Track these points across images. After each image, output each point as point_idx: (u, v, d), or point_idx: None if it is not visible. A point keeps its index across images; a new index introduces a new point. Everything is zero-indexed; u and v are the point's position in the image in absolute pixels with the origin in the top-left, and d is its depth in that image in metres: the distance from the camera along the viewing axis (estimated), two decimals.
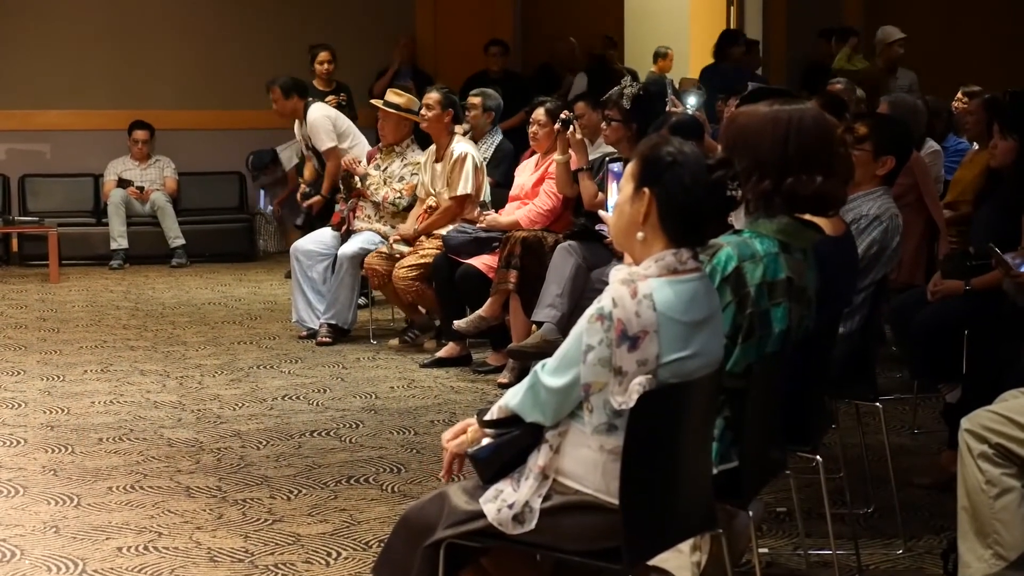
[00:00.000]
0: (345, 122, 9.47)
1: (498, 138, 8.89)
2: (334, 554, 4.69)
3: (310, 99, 9.50)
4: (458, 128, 8.45)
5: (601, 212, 4.16)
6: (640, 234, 3.23)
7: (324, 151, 9.31)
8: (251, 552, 4.70)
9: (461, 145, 8.09)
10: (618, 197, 3.32)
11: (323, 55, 11.09)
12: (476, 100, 8.74)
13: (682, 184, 3.19)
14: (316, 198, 9.39)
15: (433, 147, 8.25)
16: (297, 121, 9.51)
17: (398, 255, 8.02)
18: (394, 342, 8.41)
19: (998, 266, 5.55)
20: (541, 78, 12.89)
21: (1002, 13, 13.93)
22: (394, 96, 8.50)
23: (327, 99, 10.69)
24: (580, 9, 13.86)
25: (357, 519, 5.06)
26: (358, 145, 9.34)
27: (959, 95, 8.51)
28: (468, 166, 7.98)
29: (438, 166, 8.14)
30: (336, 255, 8.41)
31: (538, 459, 3.24)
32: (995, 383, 5.32)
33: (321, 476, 5.61)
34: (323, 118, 9.36)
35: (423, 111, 8.18)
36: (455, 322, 7.51)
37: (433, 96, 8.16)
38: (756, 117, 3.77)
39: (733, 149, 3.69)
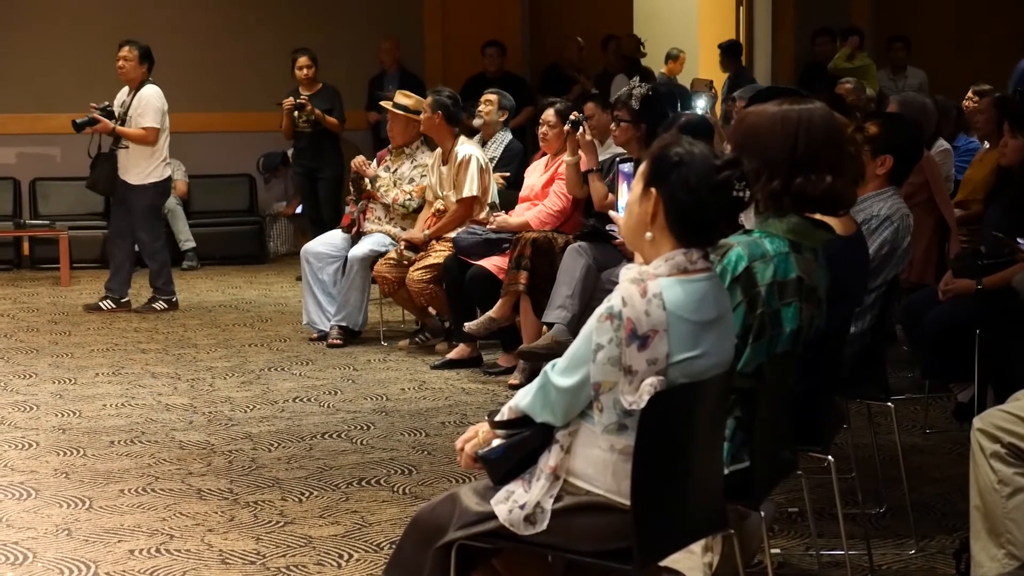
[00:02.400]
0: (167, 121, 9.54)
1: (507, 138, 8.90)
2: (346, 556, 4.69)
3: (152, 78, 9.53)
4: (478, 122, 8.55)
5: (612, 213, 4.15)
6: (648, 234, 3.23)
7: (146, 127, 9.37)
8: (263, 554, 4.71)
9: (465, 147, 8.09)
10: (629, 197, 3.32)
11: (301, 60, 11.07)
12: (492, 97, 8.81)
13: (687, 184, 3.18)
14: (104, 122, 9.39)
15: (439, 150, 8.26)
16: (128, 88, 9.53)
17: (406, 261, 8.03)
18: (404, 343, 8.42)
19: (1010, 252, 5.56)
20: (549, 79, 12.90)
21: (1011, 11, 13.91)
22: (402, 98, 8.51)
23: (284, 101, 10.81)
24: (588, 10, 13.86)
25: (368, 521, 5.06)
26: (164, 143, 9.48)
27: (969, 94, 8.50)
28: (473, 168, 7.99)
29: (444, 169, 8.15)
30: (346, 257, 8.42)
31: (549, 459, 3.24)
32: (1006, 382, 5.33)
33: (332, 478, 5.62)
34: (160, 99, 9.45)
35: (421, 114, 8.22)
36: (465, 324, 7.51)
37: (424, 101, 8.20)
38: (765, 117, 3.76)
39: (742, 149, 3.69)
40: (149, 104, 9.40)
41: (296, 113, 10.95)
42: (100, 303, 9.70)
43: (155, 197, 9.60)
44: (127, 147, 9.41)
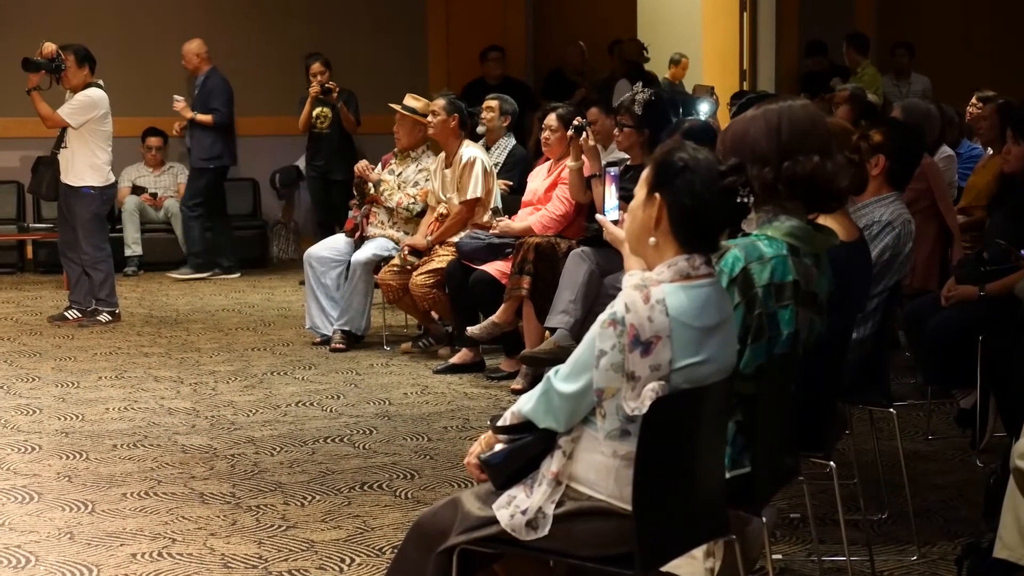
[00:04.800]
0: (109, 126, 9.33)
1: (511, 143, 8.89)
2: (347, 560, 4.69)
3: (100, 81, 9.33)
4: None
5: (599, 217, 4.17)
6: (652, 239, 3.24)
7: (74, 125, 9.14)
8: (265, 558, 4.71)
9: (470, 150, 8.09)
10: (632, 202, 3.33)
11: (316, 66, 11.14)
12: (493, 103, 8.75)
13: (692, 190, 3.19)
14: (35, 77, 9.18)
15: (443, 154, 8.26)
16: (70, 92, 9.28)
17: (409, 266, 8.03)
18: (406, 347, 8.42)
19: (1015, 259, 5.57)
20: (552, 84, 12.91)
21: (1015, 17, 13.92)
22: (411, 100, 8.51)
23: (311, 88, 11.09)
24: (592, 15, 13.87)
25: (371, 525, 5.06)
26: (106, 147, 9.28)
27: (973, 100, 8.51)
28: (477, 170, 7.98)
29: (448, 172, 8.15)
30: (349, 261, 8.42)
31: (551, 465, 3.24)
32: (1008, 389, 5.33)
33: (335, 482, 5.62)
34: (93, 101, 9.20)
35: (429, 117, 8.20)
36: (468, 329, 7.51)
37: (438, 102, 8.19)
38: (747, 119, 3.82)
39: (732, 154, 3.71)
40: (76, 100, 9.17)
41: (317, 112, 11.05)
42: (65, 312, 9.48)
43: (99, 205, 9.33)
44: (66, 147, 9.24)
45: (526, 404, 3.31)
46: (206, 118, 11.50)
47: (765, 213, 3.73)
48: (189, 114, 11.47)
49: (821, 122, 3.82)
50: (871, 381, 4.75)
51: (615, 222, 3.85)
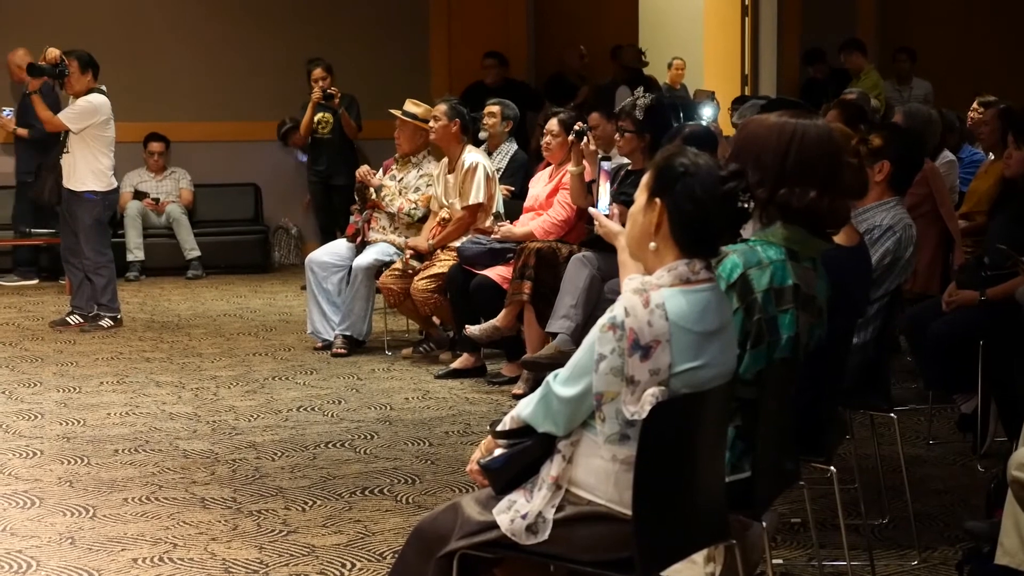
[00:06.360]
0: (111, 131, 9.30)
1: (512, 148, 8.89)
2: (348, 565, 4.69)
3: (103, 87, 9.31)
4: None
5: (590, 209, 4.16)
6: (652, 244, 3.24)
7: (74, 130, 9.14)
8: (266, 563, 4.71)
9: (472, 155, 8.10)
10: (632, 207, 3.33)
11: (317, 71, 11.15)
12: (495, 109, 8.76)
13: (693, 195, 3.19)
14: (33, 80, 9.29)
15: (445, 159, 8.26)
16: (73, 98, 9.26)
17: (411, 271, 8.04)
18: (408, 352, 8.42)
19: (1013, 263, 5.57)
20: (553, 87, 12.91)
21: (1017, 23, 13.92)
22: (412, 106, 8.52)
23: (313, 94, 11.10)
24: (594, 19, 13.88)
25: (371, 530, 5.07)
26: (108, 153, 9.26)
27: (974, 105, 8.51)
28: (479, 175, 7.99)
29: (450, 177, 8.16)
30: (351, 267, 8.43)
31: (551, 469, 3.24)
32: (1009, 394, 5.32)
33: (336, 487, 5.62)
34: (94, 107, 9.18)
35: (431, 123, 8.21)
36: (467, 328, 7.50)
37: (440, 108, 8.19)
38: (764, 125, 3.78)
39: (739, 153, 3.71)
40: (77, 106, 9.17)
41: (319, 117, 11.08)
42: (67, 318, 9.47)
43: (101, 211, 9.31)
44: (68, 152, 9.24)
45: (525, 408, 3.31)
46: (23, 132, 11.36)
47: (761, 219, 3.73)
48: (10, 127, 11.39)
49: (831, 152, 3.75)
50: (872, 385, 4.75)
51: (608, 216, 3.84)
